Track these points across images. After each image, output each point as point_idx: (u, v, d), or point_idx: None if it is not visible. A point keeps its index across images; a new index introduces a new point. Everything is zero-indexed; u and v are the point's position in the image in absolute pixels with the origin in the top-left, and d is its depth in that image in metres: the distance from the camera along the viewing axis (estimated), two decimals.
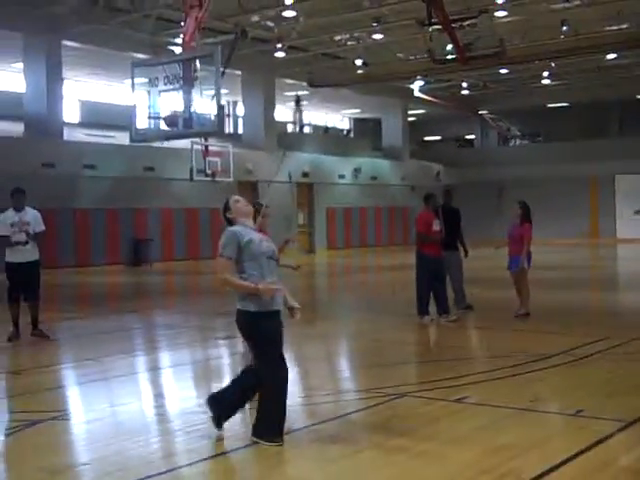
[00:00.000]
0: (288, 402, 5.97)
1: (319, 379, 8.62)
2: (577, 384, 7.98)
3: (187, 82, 12.74)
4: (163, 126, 13.56)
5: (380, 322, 12.91)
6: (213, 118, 13.17)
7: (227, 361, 10.02)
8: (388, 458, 5.53)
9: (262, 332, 5.84)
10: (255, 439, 5.81)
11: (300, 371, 8.96)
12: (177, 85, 12.76)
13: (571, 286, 18.02)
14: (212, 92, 13.54)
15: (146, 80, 13.83)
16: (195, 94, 13.70)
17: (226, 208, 6.20)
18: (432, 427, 6.40)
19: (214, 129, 13.08)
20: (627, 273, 24.59)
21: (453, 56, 22.89)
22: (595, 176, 41.67)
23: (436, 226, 12.33)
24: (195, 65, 13.27)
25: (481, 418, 6.59)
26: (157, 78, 13.12)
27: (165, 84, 12.91)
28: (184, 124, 12.46)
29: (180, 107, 12.73)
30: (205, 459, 5.66)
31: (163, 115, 12.86)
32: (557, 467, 5.19)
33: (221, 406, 6.00)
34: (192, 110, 12.56)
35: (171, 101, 13.50)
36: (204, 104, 13.97)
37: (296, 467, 5.59)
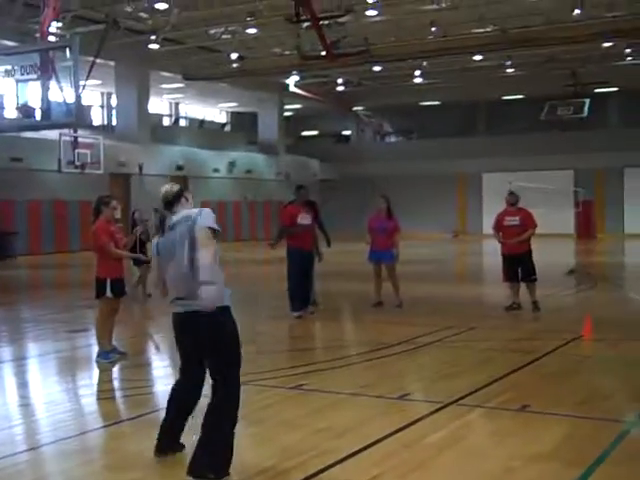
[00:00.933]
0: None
1: (164, 369, 8.75)
2: (409, 370, 8.47)
3: (44, 72, 12.51)
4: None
5: (242, 315, 13.05)
6: (73, 109, 12.97)
7: (76, 354, 10.01)
8: None
9: None
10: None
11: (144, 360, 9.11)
12: (34, 75, 12.49)
13: (430, 279, 18.75)
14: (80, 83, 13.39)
15: (7, 68, 13.53)
16: (55, 84, 13.45)
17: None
18: (264, 412, 6.70)
19: (73, 120, 12.88)
20: (486, 267, 25.68)
21: (322, 53, 23.30)
22: (464, 173, 43.29)
23: (302, 219, 12.24)
24: (53, 55, 13.05)
25: (312, 403, 6.93)
26: (14, 67, 12.81)
27: (22, 74, 12.59)
28: (42, 115, 12.22)
29: (37, 98, 12.50)
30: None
31: (17, 105, 12.62)
32: (370, 445, 5.57)
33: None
34: (49, 101, 12.34)
35: (28, 91, 13.25)
36: (65, 95, 13.72)
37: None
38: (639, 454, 5.44)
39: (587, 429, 5.99)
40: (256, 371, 8.28)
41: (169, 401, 5.39)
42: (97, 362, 8.64)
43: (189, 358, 5.20)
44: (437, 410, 6.53)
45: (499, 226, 12.70)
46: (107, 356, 8.66)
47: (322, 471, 5.05)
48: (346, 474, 5.04)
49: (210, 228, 5.00)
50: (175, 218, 5.13)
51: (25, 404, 7.29)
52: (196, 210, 5.11)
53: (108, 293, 8.61)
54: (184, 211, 5.15)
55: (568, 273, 18.89)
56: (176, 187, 5.29)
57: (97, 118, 39.85)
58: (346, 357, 9.11)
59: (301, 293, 12.23)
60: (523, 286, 12.58)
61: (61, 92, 13.78)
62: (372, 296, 13.29)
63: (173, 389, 5.42)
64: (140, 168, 31.61)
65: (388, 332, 10.90)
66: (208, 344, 5.02)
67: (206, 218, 5.02)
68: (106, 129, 35.37)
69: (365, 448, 5.51)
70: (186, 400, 5.31)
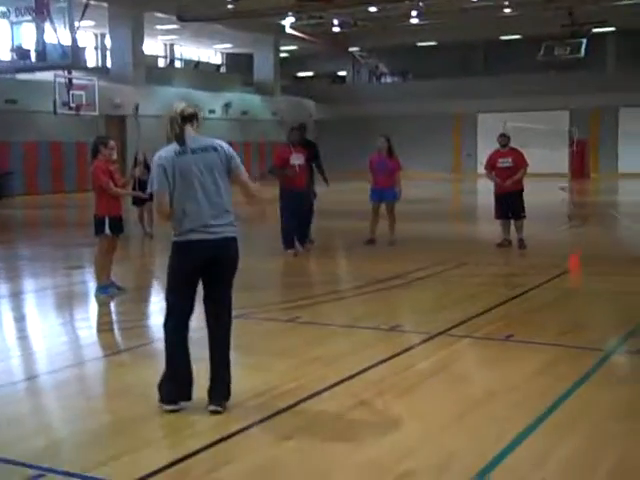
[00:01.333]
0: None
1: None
2: (400, 304, 8.77)
3: (39, 14, 12.61)
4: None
5: (245, 252, 13.17)
6: (68, 51, 13.08)
7: (74, 289, 10.25)
8: None
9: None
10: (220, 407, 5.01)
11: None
12: (29, 17, 12.60)
13: (423, 217, 18.95)
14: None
15: (2, 10, 13.57)
16: (50, 26, 13.55)
17: None
18: (260, 343, 7.00)
19: (68, 62, 13.01)
20: (479, 205, 25.91)
21: None
22: (459, 114, 43.25)
23: (294, 160, 12.30)
24: None
25: (306, 334, 7.23)
26: (9, 9, 12.90)
27: (17, 15, 12.71)
28: (37, 57, 12.36)
29: (32, 39, 12.60)
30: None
31: (12, 47, 12.74)
32: (360, 372, 5.85)
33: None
34: (44, 42, 12.46)
35: (23, 33, 13.34)
36: (60, 36, 13.80)
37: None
38: (615, 378, 5.74)
39: (568, 357, 6.28)
40: (253, 304, 8.58)
41: (177, 345, 5.08)
42: (96, 296, 8.90)
43: (194, 288, 5.11)
44: (426, 340, 6.82)
45: (492, 166, 12.90)
46: (105, 290, 8.93)
47: (313, 395, 5.33)
48: (336, 399, 5.32)
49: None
50: (193, 144, 5.03)
51: (23, 336, 7.59)
52: (218, 141, 5.13)
53: (107, 230, 8.83)
54: (203, 139, 5.09)
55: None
56: (193, 107, 5.22)
57: (91, 59, 39.60)
58: (339, 291, 9.40)
59: (293, 232, 12.45)
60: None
61: (56, 34, 13.87)
62: (366, 233, 13.50)
63: (177, 330, 5.09)
64: (136, 108, 31.50)
65: (381, 268, 11.15)
66: (233, 270, 5.20)
67: (234, 153, 5.18)
68: (101, 70, 35.13)
69: (355, 375, 5.79)
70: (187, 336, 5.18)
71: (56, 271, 11.71)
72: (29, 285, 10.82)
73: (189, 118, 5.08)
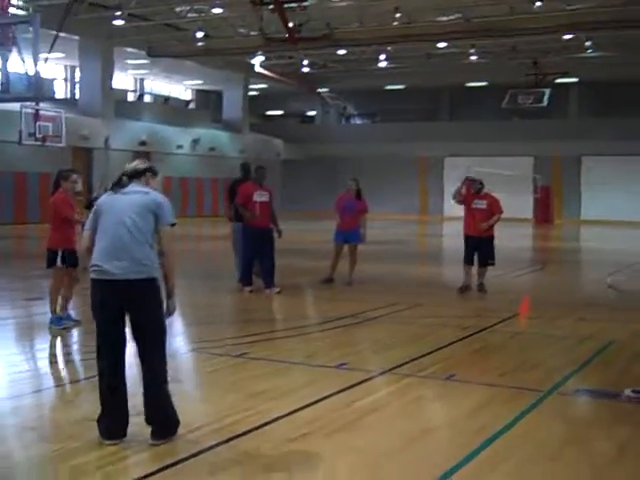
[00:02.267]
0: None
1: None
2: (351, 342, 8.91)
3: (5, 44, 12.76)
4: None
5: (198, 287, 13.31)
6: (33, 83, 13.18)
7: (33, 320, 10.27)
8: None
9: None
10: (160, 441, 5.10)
11: None
12: None
13: (387, 258, 19.17)
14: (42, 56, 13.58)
15: None
16: (17, 56, 13.67)
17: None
18: (208, 377, 7.11)
19: (32, 94, 13.12)
20: (443, 248, 26.28)
21: (285, 35, 23.55)
22: (427, 157, 43.87)
23: (257, 197, 12.45)
24: (15, 28, 13.26)
25: (254, 370, 7.32)
26: None
27: None
28: (1, 87, 12.46)
29: None
30: None
31: None
32: (303, 408, 5.98)
33: None
34: (8, 73, 12.57)
35: None
36: (27, 67, 13.90)
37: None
38: (549, 418, 5.90)
39: (506, 396, 6.44)
40: (205, 339, 8.70)
41: (108, 387, 5.12)
42: (49, 328, 8.93)
43: (111, 328, 5.12)
44: (370, 378, 6.97)
45: (466, 203, 12.77)
46: (59, 323, 8.97)
47: (256, 428, 5.44)
48: (278, 432, 5.43)
49: (171, 224, 5.22)
50: (131, 187, 5.22)
51: None
52: (155, 193, 5.23)
53: (58, 263, 8.92)
54: (142, 187, 5.25)
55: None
56: (145, 164, 5.40)
57: (60, 91, 39.68)
58: (291, 329, 9.50)
59: (251, 269, 12.57)
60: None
61: (23, 64, 13.99)
62: (326, 271, 13.62)
63: (108, 371, 5.14)
64: (106, 140, 31.67)
65: (336, 307, 11.32)
66: (143, 313, 5.14)
67: (168, 213, 5.20)
68: (69, 102, 35.22)
69: (298, 410, 5.91)
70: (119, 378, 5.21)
71: (15, 302, 11.72)
72: None
73: (135, 175, 5.29)
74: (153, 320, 5.14)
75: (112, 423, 5.06)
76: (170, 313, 5.27)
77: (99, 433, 5.06)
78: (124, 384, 5.18)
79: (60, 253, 8.90)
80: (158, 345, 5.18)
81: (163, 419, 5.13)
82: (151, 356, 5.14)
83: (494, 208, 12.64)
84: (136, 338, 5.15)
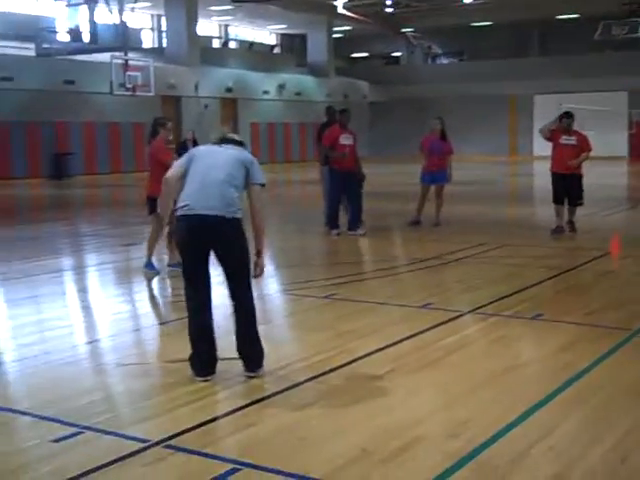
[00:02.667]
0: None
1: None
2: (435, 283, 8.97)
3: None
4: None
5: (287, 231, 13.55)
6: (120, 33, 13.46)
7: (130, 265, 10.67)
8: None
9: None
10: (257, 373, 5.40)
11: None
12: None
13: (475, 199, 18.99)
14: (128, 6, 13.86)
15: None
16: (105, 8, 13.96)
17: None
18: (296, 317, 7.33)
19: (119, 44, 13.42)
20: (533, 188, 25.81)
21: None
22: (515, 95, 42.85)
23: (344, 140, 12.48)
24: None
25: (340, 310, 7.49)
26: None
27: None
28: (89, 39, 12.76)
29: (85, 21, 12.99)
30: None
31: (67, 29, 13.13)
32: (389, 346, 6.10)
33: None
34: (96, 24, 12.85)
35: (79, 15, 13.74)
36: (114, 18, 14.21)
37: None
38: (635, 359, 5.88)
39: (592, 335, 6.42)
40: (292, 281, 8.90)
41: (198, 326, 5.36)
42: (144, 272, 9.27)
43: (199, 268, 5.35)
44: (455, 317, 7.03)
45: (554, 139, 12.35)
46: (152, 267, 9.30)
47: (343, 366, 5.61)
48: (364, 368, 5.59)
49: (261, 184, 5.41)
50: (226, 143, 5.51)
51: (85, 306, 8.11)
52: (248, 154, 5.47)
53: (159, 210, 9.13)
54: (234, 146, 5.50)
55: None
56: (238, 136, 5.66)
57: (147, 40, 40.22)
58: (378, 270, 9.65)
59: (338, 212, 12.68)
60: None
61: (110, 15, 14.30)
62: (413, 214, 13.65)
63: (197, 312, 5.38)
64: (196, 87, 32.08)
65: (422, 248, 11.40)
66: (231, 252, 5.35)
67: (259, 173, 5.39)
68: (156, 51, 35.69)
69: (383, 348, 6.04)
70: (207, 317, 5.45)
71: (114, 247, 12.22)
72: (89, 260, 11.31)
73: (232, 142, 5.53)
74: (240, 258, 5.32)
75: (202, 361, 5.31)
76: (259, 273, 5.44)
77: (191, 370, 5.31)
78: (212, 324, 5.40)
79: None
80: (246, 281, 5.37)
81: (258, 350, 5.37)
82: (241, 290, 5.34)
83: (584, 144, 12.22)
84: (227, 274, 5.34)
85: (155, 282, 9.08)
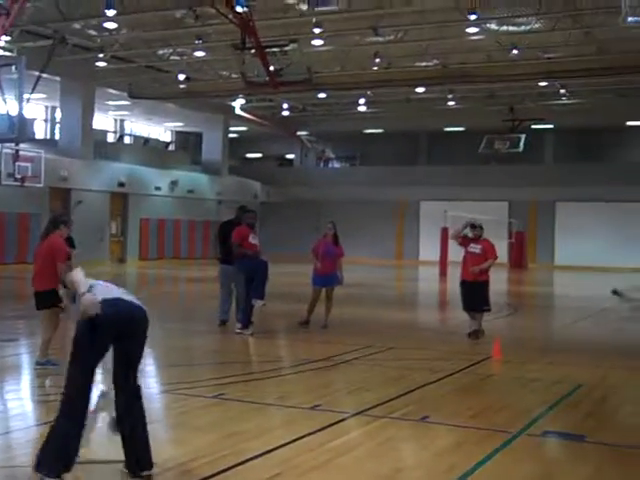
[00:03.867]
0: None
1: None
2: (324, 384, 9.01)
3: None
4: None
5: (176, 330, 13.41)
6: (15, 124, 13.36)
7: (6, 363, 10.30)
8: None
9: None
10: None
11: None
12: None
13: (362, 301, 19.32)
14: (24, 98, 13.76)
15: None
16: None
17: None
18: (182, 417, 7.18)
19: (14, 135, 13.29)
20: (418, 292, 26.48)
21: (266, 79, 23.94)
22: (403, 201, 44.25)
23: (252, 240, 12.73)
24: None
25: (229, 411, 7.41)
26: None
27: None
28: None
29: None
30: None
31: None
32: (277, 448, 6.07)
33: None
34: None
35: None
36: (9, 108, 14.11)
37: None
38: (517, 459, 6.04)
39: (477, 437, 6.58)
40: (181, 381, 8.76)
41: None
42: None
43: None
44: (343, 419, 7.07)
45: (465, 249, 12.83)
46: (52, 363, 9.08)
47: (230, 468, 5.53)
48: (251, 473, 5.53)
49: None
50: None
51: None
52: None
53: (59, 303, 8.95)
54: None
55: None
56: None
57: (40, 131, 39.82)
58: (267, 371, 9.62)
59: (251, 311, 12.68)
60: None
61: (5, 105, 14.17)
62: (303, 314, 13.77)
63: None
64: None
65: (311, 349, 11.47)
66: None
67: None
68: (49, 143, 35.35)
69: (271, 451, 6.00)
70: None
71: None
72: None
73: None
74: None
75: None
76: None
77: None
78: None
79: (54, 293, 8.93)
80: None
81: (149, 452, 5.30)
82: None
83: (488, 253, 12.64)
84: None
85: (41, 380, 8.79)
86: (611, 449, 6.44)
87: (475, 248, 12.70)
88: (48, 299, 8.94)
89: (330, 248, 13.77)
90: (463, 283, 12.87)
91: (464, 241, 12.91)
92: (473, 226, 13.00)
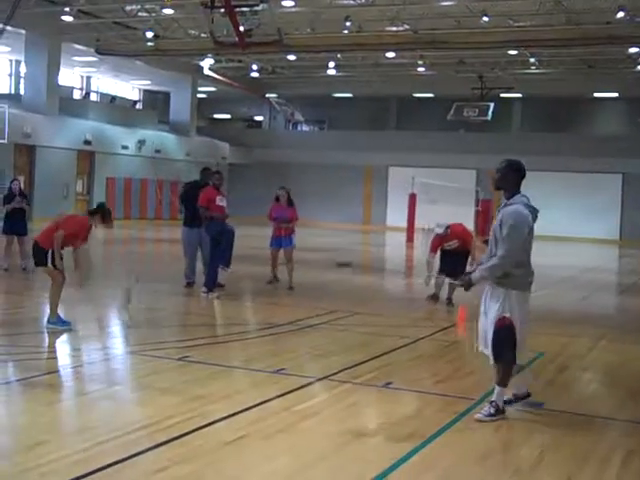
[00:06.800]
0: None
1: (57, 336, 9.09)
2: (289, 349, 9.05)
3: None
4: None
5: (142, 291, 13.15)
6: None
7: None
8: (101, 403, 6.27)
9: None
10: None
11: None
12: None
13: (329, 266, 19.34)
14: None
15: None
16: None
17: None
18: (148, 379, 7.19)
19: None
20: (385, 258, 26.61)
21: (235, 39, 23.62)
22: (371, 165, 44.26)
23: (220, 202, 12.58)
24: None
25: (194, 373, 7.44)
26: None
27: None
28: None
29: None
30: None
31: None
32: (242, 411, 6.12)
33: None
34: None
35: None
36: None
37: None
38: (476, 427, 6.14)
39: (437, 404, 6.67)
40: (146, 342, 8.76)
41: None
42: (49, 329, 9.10)
43: None
44: (308, 384, 7.14)
45: (438, 249, 12.53)
46: (63, 321, 9.23)
47: (195, 430, 5.57)
48: (216, 434, 5.58)
49: None
50: None
51: None
52: None
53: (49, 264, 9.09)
54: None
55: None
56: None
57: (4, 85, 39.09)
58: (233, 334, 9.68)
59: (217, 273, 12.64)
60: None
61: None
62: (269, 275, 14.25)
63: None
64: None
65: (277, 313, 11.52)
66: None
67: None
68: (13, 97, 34.71)
69: (236, 413, 6.05)
70: None
71: None
72: None
73: None
74: None
75: None
76: None
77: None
78: None
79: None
80: None
81: None
82: None
83: (466, 243, 12.35)
84: None
85: None
86: (569, 416, 6.58)
87: (451, 245, 12.35)
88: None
89: (283, 211, 14.12)
90: (444, 251, 12.54)
91: (439, 244, 12.46)
92: (442, 236, 12.44)
